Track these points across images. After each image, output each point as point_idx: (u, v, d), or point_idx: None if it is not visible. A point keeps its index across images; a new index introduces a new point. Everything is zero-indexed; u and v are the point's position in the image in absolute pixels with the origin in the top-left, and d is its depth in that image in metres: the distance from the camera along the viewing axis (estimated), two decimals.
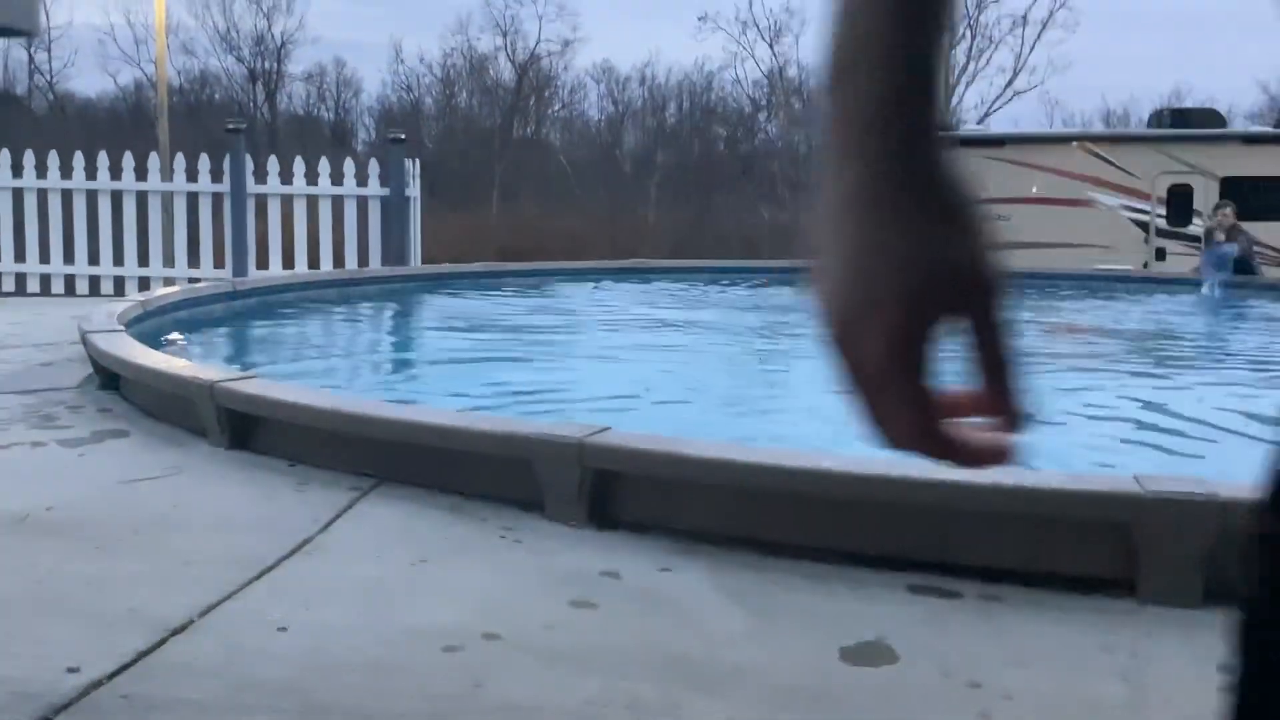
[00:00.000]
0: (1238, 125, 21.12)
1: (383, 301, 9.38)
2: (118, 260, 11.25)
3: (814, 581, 2.81)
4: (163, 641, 2.38)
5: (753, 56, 37.57)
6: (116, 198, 11.20)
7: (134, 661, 2.28)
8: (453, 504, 3.38)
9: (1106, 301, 10.48)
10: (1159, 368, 6.87)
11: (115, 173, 11.22)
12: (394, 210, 11.30)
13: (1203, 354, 7.59)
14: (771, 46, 35.81)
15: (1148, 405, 5.37)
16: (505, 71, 40.71)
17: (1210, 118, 17.27)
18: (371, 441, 3.66)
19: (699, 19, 35.73)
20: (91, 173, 11.20)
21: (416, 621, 2.53)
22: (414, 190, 11.64)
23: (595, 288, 10.43)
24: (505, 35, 40.09)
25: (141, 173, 11.29)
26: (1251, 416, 5.20)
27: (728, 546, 3.01)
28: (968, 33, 34.03)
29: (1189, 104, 27.24)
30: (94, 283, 11.26)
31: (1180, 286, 10.95)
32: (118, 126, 35.17)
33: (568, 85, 41.59)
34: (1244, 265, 10.54)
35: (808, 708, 2.15)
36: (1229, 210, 10.72)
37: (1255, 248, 11.10)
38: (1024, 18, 33.65)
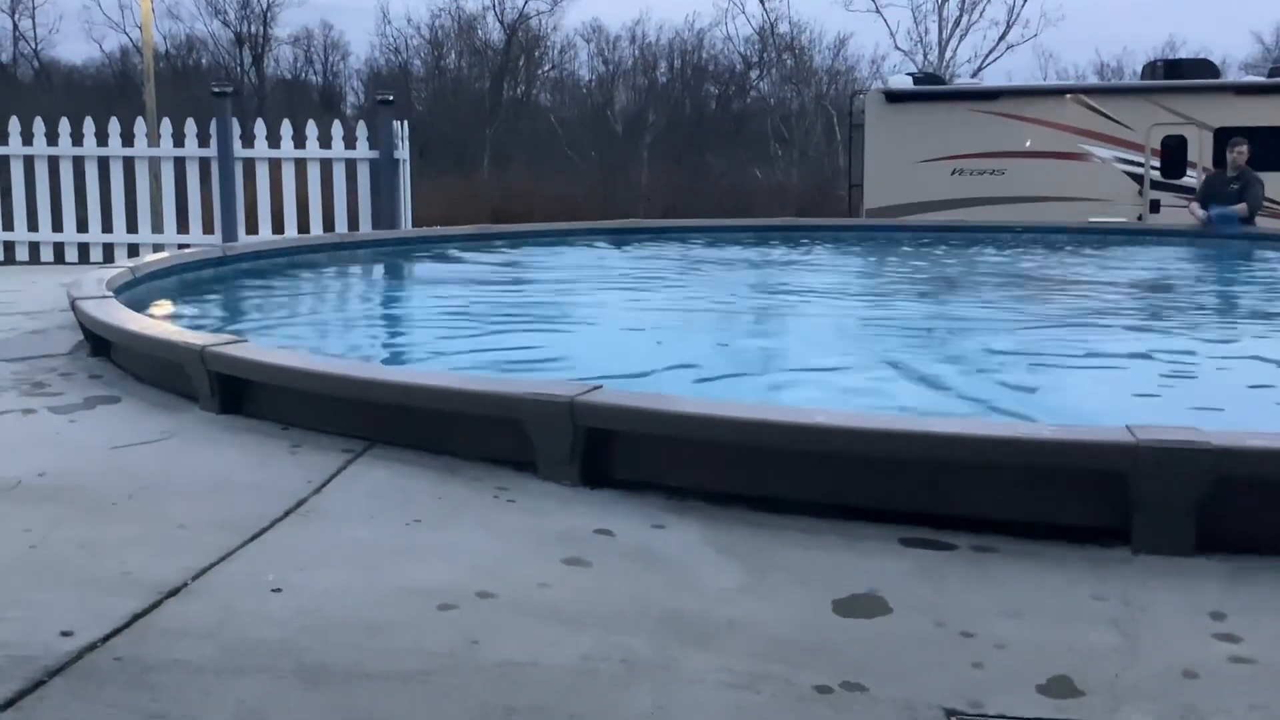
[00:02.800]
0: (1232, 75, 21.00)
1: (373, 265, 9.35)
2: (106, 227, 11.19)
3: (807, 536, 2.82)
4: (157, 604, 2.38)
5: (743, 12, 37.29)
6: (104, 164, 11.12)
7: (128, 624, 2.28)
8: (446, 465, 3.39)
9: (1099, 253, 10.46)
10: (1152, 318, 6.87)
11: (102, 139, 11.13)
12: (383, 173, 11.23)
13: (1195, 305, 7.59)
14: (763, 2, 35.49)
15: (1141, 355, 5.37)
16: (494, 32, 40.38)
17: (1204, 68, 17.14)
18: (364, 404, 3.65)
19: None
20: (78, 139, 11.12)
21: (411, 581, 2.53)
22: (403, 152, 11.56)
23: (588, 249, 10.39)
24: None
25: (128, 139, 11.20)
26: (1245, 366, 5.21)
27: (720, 503, 3.02)
28: None
29: (1183, 55, 27.08)
30: (83, 250, 11.20)
31: (1175, 238, 10.92)
32: (104, 93, 34.89)
33: (557, 45, 41.24)
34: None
35: (801, 660, 2.15)
36: (1244, 148, 10.43)
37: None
38: None
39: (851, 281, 9.12)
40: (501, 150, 36.20)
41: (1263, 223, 11.02)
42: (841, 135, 30.39)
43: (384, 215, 11.22)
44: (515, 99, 40.32)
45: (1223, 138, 14.93)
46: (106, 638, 2.21)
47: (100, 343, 5.01)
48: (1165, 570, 2.60)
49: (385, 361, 5.33)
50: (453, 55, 41.59)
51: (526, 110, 40.10)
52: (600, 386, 3.26)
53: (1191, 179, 14.83)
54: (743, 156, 34.98)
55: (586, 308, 7.08)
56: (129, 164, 11.16)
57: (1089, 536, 2.76)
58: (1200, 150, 15.27)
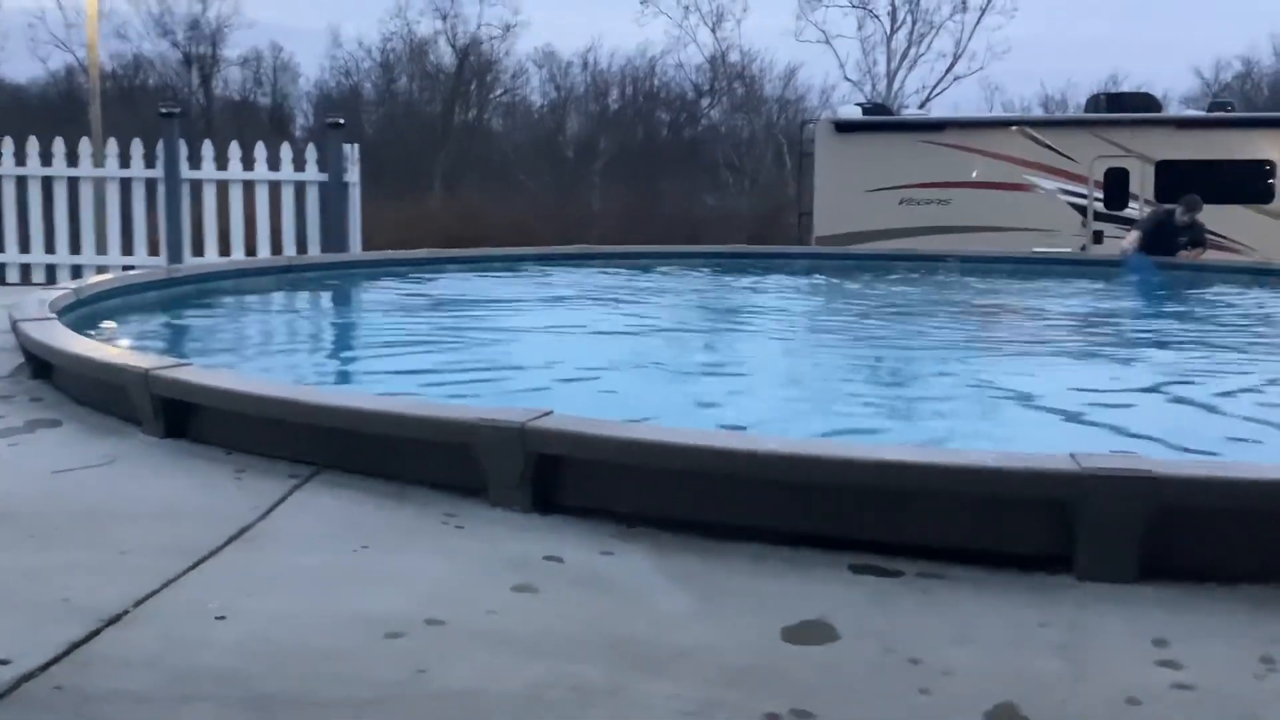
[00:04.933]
0: (1173, 109, 21.44)
1: (322, 288, 9.28)
2: (49, 248, 11.04)
3: (757, 563, 2.83)
4: (98, 632, 2.34)
5: (695, 41, 37.45)
6: (48, 184, 10.97)
7: (68, 652, 2.24)
8: (395, 490, 3.36)
9: (1043, 284, 10.61)
10: (1095, 347, 6.97)
11: (46, 159, 10.99)
12: (333, 196, 11.17)
13: (1138, 334, 7.71)
14: (714, 31, 35.72)
15: (1085, 383, 5.45)
16: (446, 56, 40.36)
17: (1145, 102, 17.50)
18: (311, 428, 3.62)
19: (641, 3, 35.45)
20: (21, 159, 10.97)
21: (359, 608, 2.50)
22: (353, 176, 11.51)
23: (539, 273, 10.39)
24: (445, 19, 39.68)
25: (73, 159, 11.07)
26: (1187, 393, 5.30)
27: (670, 529, 3.02)
28: (909, 18, 34.21)
29: (1125, 89, 27.56)
30: (25, 271, 11.04)
31: (1117, 268, 11.11)
32: (49, 112, 34.41)
33: (509, 70, 41.31)
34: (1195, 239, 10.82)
35: (751, 687, 2.15)
36: (1201, 211, 10.83)
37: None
38: (964, 3, 33.82)
39: (800, 309, 9.19)
40: (453, 174, 36.13)
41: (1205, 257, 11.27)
42: (791, 163, 30.66)
43: (333, 238, 11.16)
44: (467, 123, 40.29)
45: (1164, 170, 15.26)
46: (45, 666, 2.17)
47: (42, 365, 4.93)
48: (1109, 597, 2.63)
49: (333, 386, 5.29)
50: (404, 79, 41.52)
51: (478, 134, 40.07)
52: (550, 412, 3.25)
53: (1134, 210, 15.10)
54: (694, 183, 35.17)
55: (538, 333, 7.08)
56: (73, 184, 11.03)
57: (1035, 564, 2.79)
58: (1142, 182, 15.56)
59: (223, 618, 2.44)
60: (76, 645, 2.27)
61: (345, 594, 2.60)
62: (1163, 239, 10.82)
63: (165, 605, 2.52)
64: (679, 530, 3.01)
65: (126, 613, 2.45)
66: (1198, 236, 10.88)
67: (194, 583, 2.66)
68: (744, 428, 4.25)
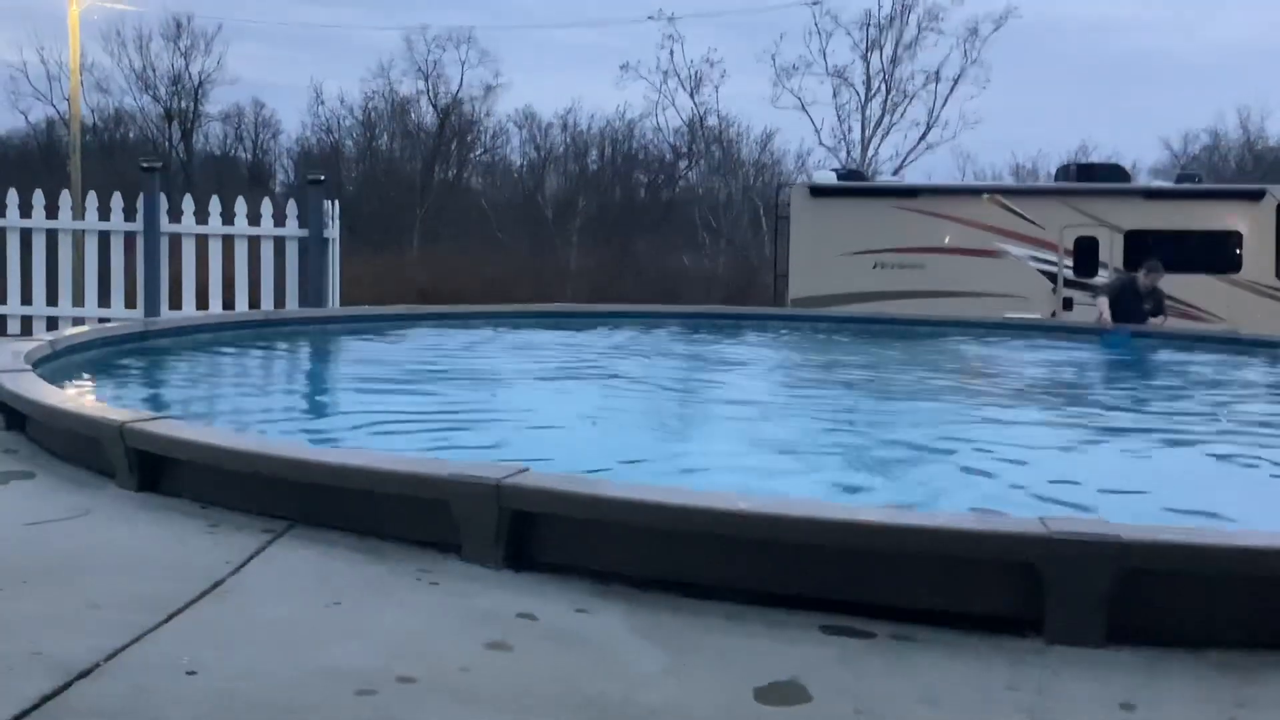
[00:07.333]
0: (1141, 180, 21.78)
1: (299, 343, 9.28)
2: (26, 299, 11.01)
3: (730, 622, 2.84)
4: (68, 685, 2.33)
5: (673, 105, 37.88)
6: (26, 235, 10.97)
7: (37, 706, 2.22)
8: (369, 546, 3.36)
9: (1013, 349, 10.71)
10: (1066, 411, 7.04)
11: (25, 210, 10.99)
12: (312, 251, 11.20)
13: (1107, 398, 7.79)
14: (692, 96, 36.11)
15: (1056, 446, 5.50)
16: (427, 115, 40.67)
17: (1115, 173, 17.78)
18: (286, 483, 3.62)
19: (620, 68, 35.90)
20: (0, 210, 10.96)
21: (330, 664, 2.50)
22: (333, 232, 11.55)
23: (516, 331, 10.42)
24: (427, 79, 40.07)
25: (52, 211, 11.08)
26: (1153, 458, 5.36)
27: (644, 587, 3.03)
28: (883, 87, 34.74)
29: (1095, 159, 28.02)
30: (1, 322, 10.99)
31: (1087, 335, 11.23)
32: (28, 164, 34.41)
33: (490, 130, 41.66)
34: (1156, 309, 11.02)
35: None
36: (1161, 274, 11.05)
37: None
38: (937, 74, 34.44)
39: (776, 370, 9.24)
40: (431, 231, 36.26)
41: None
42: (768, 226, 30.93)
43: (312, 294, 11.17)
44: (446, 181, 40.51)
45: (1133, 240, 15.49)
46: (16, 719, 2.16)
47: (16, 416, 4.91)
48: (1077, 660, 2.66)
49: (308, 440, 5.29)
50: (385, 137, 41.77)
51: (457, 192, 40.27)
52: (527, 469, 3.27)
53: (1103, 279, 15.29)
54: (671, 243, 35.39)
55: (514, 390, 7.09)
56: (51, 236, 11.03)
57: (1004, 626, 2.81)
58: (1111, 251, 15.78)
59: (193, 672, 2.43)
60: (47, 698, 2.26)
61: (317, 649, 2.59)
62: (1128, 305, 10.98)
63: (136, 659, 2.51)
64: (653, 588, 3.02)
65: (97, 666, 2.44)
66: (1158, 303, 11.07)
67: (165, 636, 2.65)
68: (718, 487, 4.27)
